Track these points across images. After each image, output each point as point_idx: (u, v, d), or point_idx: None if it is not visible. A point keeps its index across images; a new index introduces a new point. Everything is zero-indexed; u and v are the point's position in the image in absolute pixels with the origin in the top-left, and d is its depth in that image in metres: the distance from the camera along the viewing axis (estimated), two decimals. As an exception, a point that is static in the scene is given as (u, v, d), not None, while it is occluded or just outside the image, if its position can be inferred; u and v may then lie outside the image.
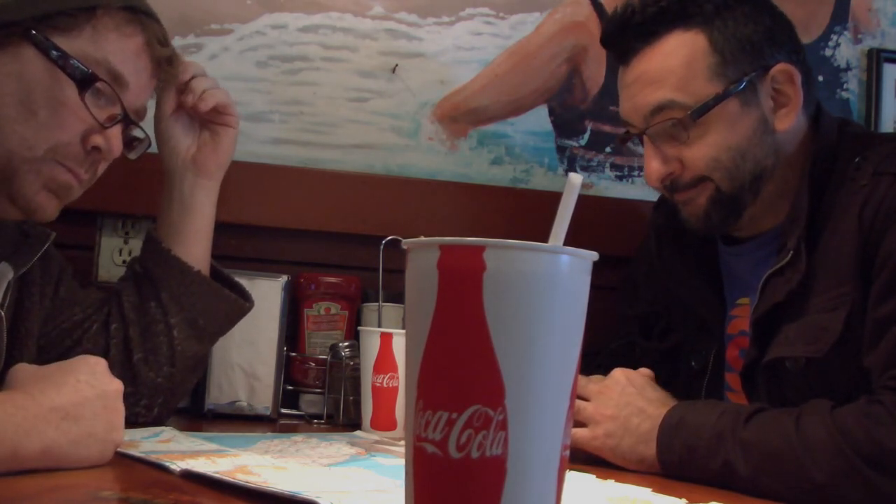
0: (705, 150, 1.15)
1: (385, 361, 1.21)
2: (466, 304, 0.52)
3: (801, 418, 0.97)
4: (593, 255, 0.55)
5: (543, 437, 0.53)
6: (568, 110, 1.69)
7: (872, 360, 1.01)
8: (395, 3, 1.62)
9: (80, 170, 1.02)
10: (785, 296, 1.10)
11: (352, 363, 1.32)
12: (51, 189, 1.01)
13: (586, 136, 1.70)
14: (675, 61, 1.15)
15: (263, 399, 1.32)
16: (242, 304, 1.22)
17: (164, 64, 1.10)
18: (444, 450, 0.52)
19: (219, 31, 1.54)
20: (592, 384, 1.12)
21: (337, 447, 1.03)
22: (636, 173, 1.71)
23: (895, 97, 1.83)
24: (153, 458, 0.85)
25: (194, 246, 1.18)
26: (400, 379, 1.20)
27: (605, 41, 1.25)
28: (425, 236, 0.56)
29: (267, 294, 1.32)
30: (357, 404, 1.27)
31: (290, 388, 1.40)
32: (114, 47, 1.02)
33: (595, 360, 1.32)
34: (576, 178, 0.57)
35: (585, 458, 1.07)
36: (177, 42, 1.44)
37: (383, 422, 1.21)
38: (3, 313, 1.03)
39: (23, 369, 0.84)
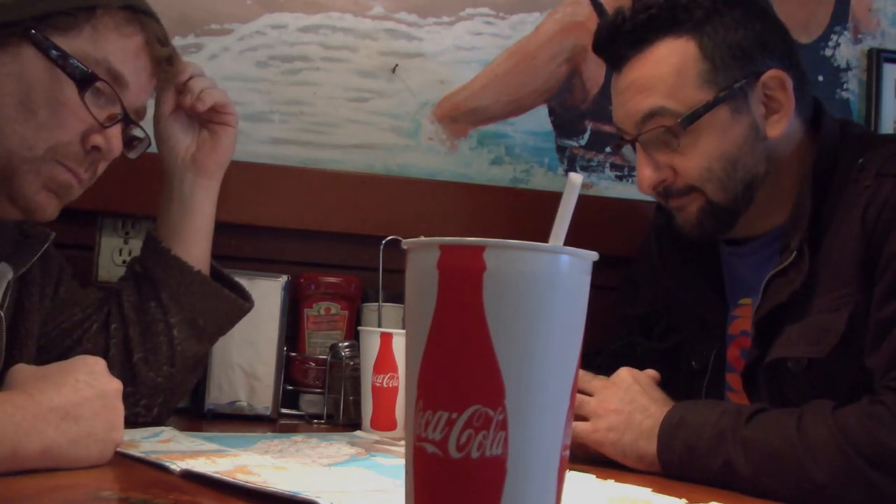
0: (697, 159, 1.15)
1: (385, 361, 1.21)
2: (466, 304, 0.52)
3: (802, 418, 0.97)
4: (593, 255, 0.55)
5: (543, 437, 0.53)
6: (568, 110, 1.69)
7: (875, 361, 1.01)
8: (395, 3, 1.62)
9: (79, 169, 1.02)
10: (787, 296, 1.10)
11: (352, 363, 1.32)
12: (51, 189, 1.02)
13: (586, 136, 1.70)
14: (666, 69, 1.15)
15: (263, 399, 1.32)
16: (242, 304, 1.22)
17: (164, 63, 1.10)
18: (444, 450, 0.52)
19: (219, 31, 1.54)
20: (597, 380, 1.12)
21: (337, 447, 1.03)
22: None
23: (895, 97, 1.83)
24: (153, 458, 0.85)
25: (194, 246, 1.18)
26: (400, 379, 1.20)
27: (597, 49, 1.25)
28: (425, 236, 0.56)
29: (267, 294, 1.32)
30: (357, 404, 1.27)
31: (290, 388, 1.39)
32: (113, 47, 1.02)
33: (595, 360, 1.32)
34: (576, 178, 0.57)
35: (586, 458, 1.07)
36: (177, 42, 1.43)
37: (383, 422, 1.21)
38: (2, 313, 1.02)
39: (22, 369, 0.84)
